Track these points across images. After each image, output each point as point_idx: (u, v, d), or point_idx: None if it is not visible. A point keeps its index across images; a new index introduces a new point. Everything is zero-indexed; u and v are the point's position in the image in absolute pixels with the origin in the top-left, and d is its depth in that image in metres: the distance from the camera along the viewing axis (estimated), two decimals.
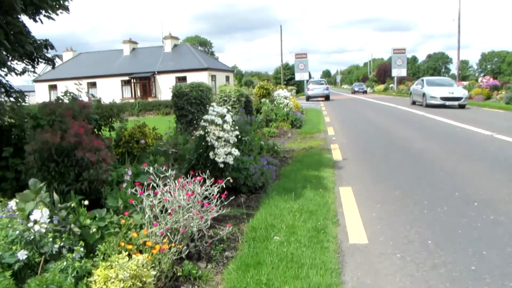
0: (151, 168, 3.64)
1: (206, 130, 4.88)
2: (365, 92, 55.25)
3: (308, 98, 35.52)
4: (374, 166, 7.53)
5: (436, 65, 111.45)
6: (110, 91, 39.83)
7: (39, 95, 43.23)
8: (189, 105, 8.75)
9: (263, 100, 15.22)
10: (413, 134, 11.50)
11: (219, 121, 4.90)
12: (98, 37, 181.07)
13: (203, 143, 4.97)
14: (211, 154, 4.90)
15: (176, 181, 3.60)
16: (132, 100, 36.63)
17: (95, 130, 6.26)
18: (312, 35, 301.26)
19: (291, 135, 12.81)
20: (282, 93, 16.28)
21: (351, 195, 5.57)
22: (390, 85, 57.03)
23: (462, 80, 41.10)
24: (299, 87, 54.85)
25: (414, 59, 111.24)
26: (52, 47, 11.97)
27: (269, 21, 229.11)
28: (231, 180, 4.19)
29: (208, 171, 5.00)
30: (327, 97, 35.19)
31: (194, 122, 8.78)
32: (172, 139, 6.05)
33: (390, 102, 27.67)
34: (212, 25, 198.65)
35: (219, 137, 4.86)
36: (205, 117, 4.97)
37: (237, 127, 5.12)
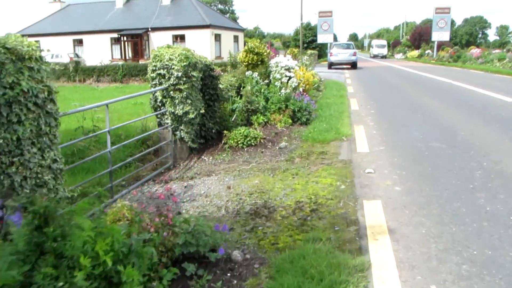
0: None
1: None
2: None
3: (331, 65, 28.82)
4: None
5: (473, 30, 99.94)
6: (99, 51, 33.90)
7: None
8: None
9: (248, 73, 9.09)
10: None
11: None
12: None
13: None
14: None
15: None
16: (122, 62, 30.62)
17: None
18: None
19: (286, 143, 6.82)
20: (282, 62, 10.00)
21: None
22: (426, 51, 48.89)
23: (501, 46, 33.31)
24: (322, 51, 47.50)
25: (452, 22, 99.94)
26: None
27: None
28: None
29: None
30: (353, 65, 28.40)
31: None
32: None
33: (436, 74, 20.84)
34: None
35: None
36: None
37: None
